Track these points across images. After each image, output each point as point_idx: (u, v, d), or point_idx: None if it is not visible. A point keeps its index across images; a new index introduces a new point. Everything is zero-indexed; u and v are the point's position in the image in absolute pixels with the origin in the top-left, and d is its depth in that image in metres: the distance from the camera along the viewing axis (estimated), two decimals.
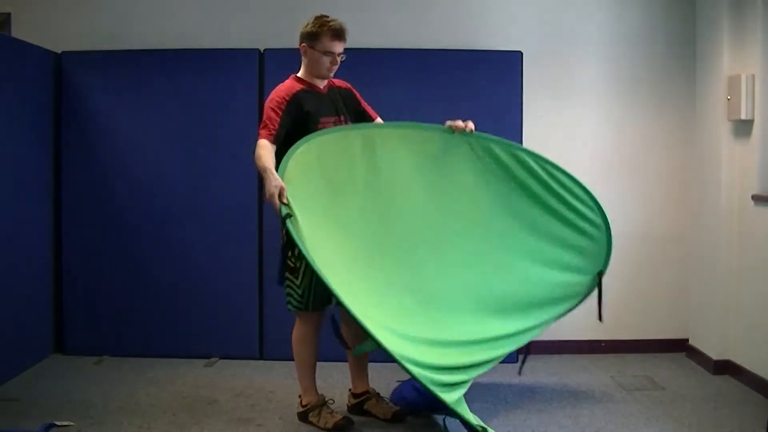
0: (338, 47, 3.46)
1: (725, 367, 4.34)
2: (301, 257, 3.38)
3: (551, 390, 4.12)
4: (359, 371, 3.71)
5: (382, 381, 3.92)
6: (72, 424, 3.48)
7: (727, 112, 4.31)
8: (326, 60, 3.45)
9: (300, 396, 3.62)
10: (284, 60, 4.57)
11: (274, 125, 3.35)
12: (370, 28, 4.78)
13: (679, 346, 4.79)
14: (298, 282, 3.46)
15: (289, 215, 3.15)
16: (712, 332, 4.43)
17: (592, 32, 4.83)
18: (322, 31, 3.42)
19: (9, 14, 4.84)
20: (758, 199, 4.13)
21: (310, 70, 3.51)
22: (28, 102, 4.41)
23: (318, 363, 3.63)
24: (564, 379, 4.30)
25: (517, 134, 4.59)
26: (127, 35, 4.80)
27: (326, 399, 3.61)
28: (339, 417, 3.49)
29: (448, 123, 3.58)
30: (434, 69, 4.61)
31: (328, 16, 3.45)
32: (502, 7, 4.82)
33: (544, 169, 3.68)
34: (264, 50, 4.65)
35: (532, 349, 3.81)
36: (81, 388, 4.05)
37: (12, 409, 3.68)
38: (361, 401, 3.71)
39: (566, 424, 3.58)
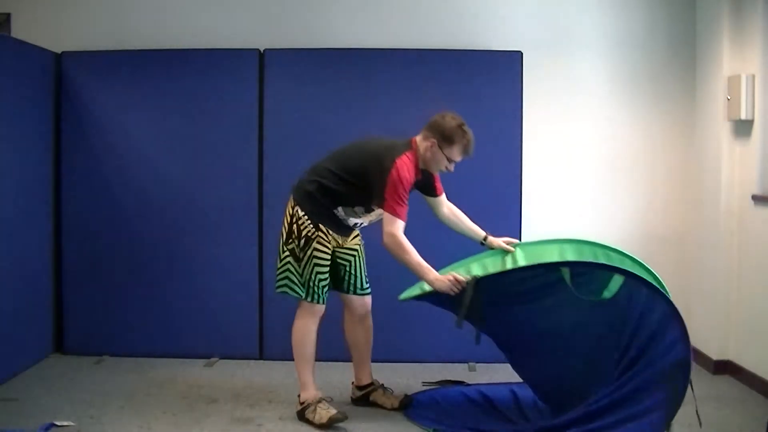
0: (461, 158, 3.52)
1: (725, 367, 4.35)
2: (305, 249, 3.48)
3: None
4: (362, 364, 3.78)
5: (382, 381, 3.91)
6: (72, 424, 3.48)
7: (727, 112, 4.31)
8: (445, 164, 3.49)
9: (299, 395, 3.62)
10: (284, 60, 4.62)
11: (406, 207, 3.41)
12: (370, 28, 4.78)
13: None
14: (300, 270, 3.50)
15: (475, 276, 3.34)
16: (712, 332, 4.43)
17: (592, 32, 4.83)
18: (461, 142, 3.44)
19: (9, 14, 4.84)
20: (758, 199, 4.13)
21: (426, 162, 3.51)
22: (28, 102, 4.41)
23: (317, 362, 3.63)
24: None
25: (517, 134, 4.60)
26: (127, 35, 4.80)
27: (323, 396, 3.61)
28: (334, 411, 3.50)
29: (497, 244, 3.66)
30: (434, 69, 4.61)
31: (467, 127, 3.46)
32: (502, 7, 4.82)
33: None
34: (264, 50, 4.65)
35: None
36: (81, 388, 4.05)
37: (12, 409, 3.67)
38: (367, 393, 3.77)
39: None
